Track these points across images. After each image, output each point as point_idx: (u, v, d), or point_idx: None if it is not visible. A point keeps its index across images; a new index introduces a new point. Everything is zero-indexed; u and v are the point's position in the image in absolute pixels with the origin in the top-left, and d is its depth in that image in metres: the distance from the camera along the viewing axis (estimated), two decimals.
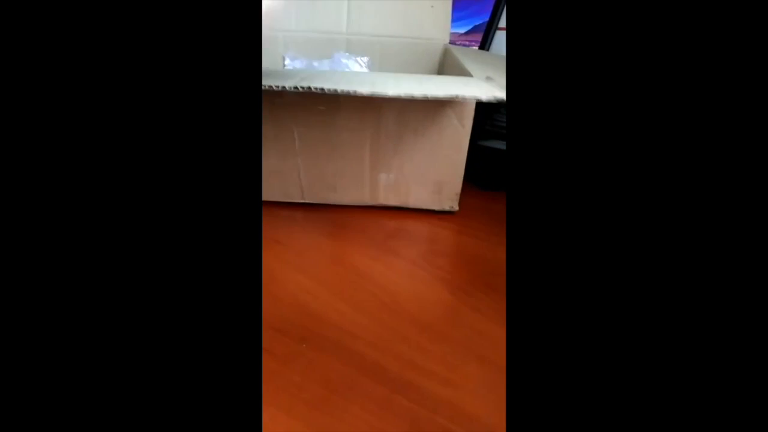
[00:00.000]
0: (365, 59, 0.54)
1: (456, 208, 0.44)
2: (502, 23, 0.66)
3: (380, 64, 0.57)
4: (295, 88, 0.31)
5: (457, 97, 0.32)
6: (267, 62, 0.55)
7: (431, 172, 0.42)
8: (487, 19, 0.67)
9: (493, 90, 0.33)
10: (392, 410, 0.25)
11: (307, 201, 0.44)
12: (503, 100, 0.32)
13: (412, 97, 0.32)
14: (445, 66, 0.55)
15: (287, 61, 0.53)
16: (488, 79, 0.36)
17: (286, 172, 0.42)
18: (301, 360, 0.28)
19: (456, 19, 0.67)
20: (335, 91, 0.31)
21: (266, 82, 0.31)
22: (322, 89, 0.31)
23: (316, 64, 0.53)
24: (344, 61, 0.52)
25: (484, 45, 0.67)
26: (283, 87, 0.31)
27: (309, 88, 0.31)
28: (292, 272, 0.36)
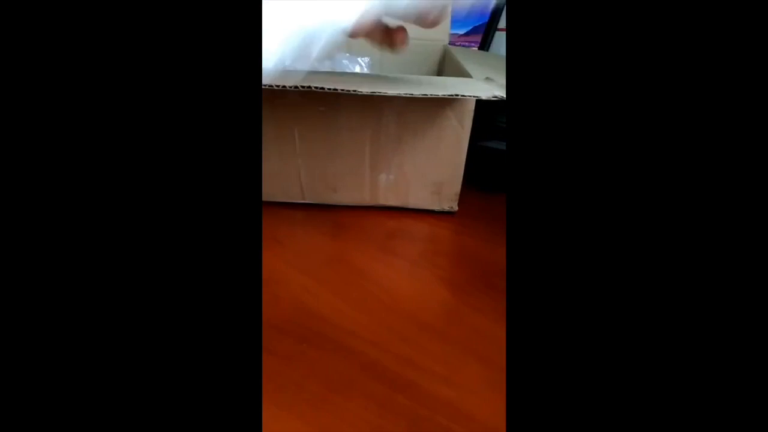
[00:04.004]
0: (366, 60, 0.54)
1: (455, 208, 0.44)
2: (502, 24, 0.66)
3: (381, 64, 0.57)
4: (296, 87, 0.31)
5: (456, 95, 0.32)
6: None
7: (431, 173, 0.42)
8: (486, 20, 0.67)
9: (493, 89, 0.33)
10: (392, 409, 0.25)
11: (307, 201, 0.44)
12: (503, 97, 0.32)
13: (412, 96, 0.32)
14: (445, 67, 0.55)
15: (288, 62, 0.53)
16: (488, 80, 0.36)
17: (286, 172, 0.42)
18: (302, 359, 0.28)
19: (456, 20, 0.67)
20: (335, 90, 0.31)
21: (266, 81, 0.31)
22: (323, 88, 0.31)
23: (317, 64, 0.53)
24: (345, 61, 0.52)
25: (484, 46, 0.68)
26: (284, 87, 0.31)
27: (309, 87, 0.31)
28: (293, 272, 0.36)
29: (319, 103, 0.38)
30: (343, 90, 0.31)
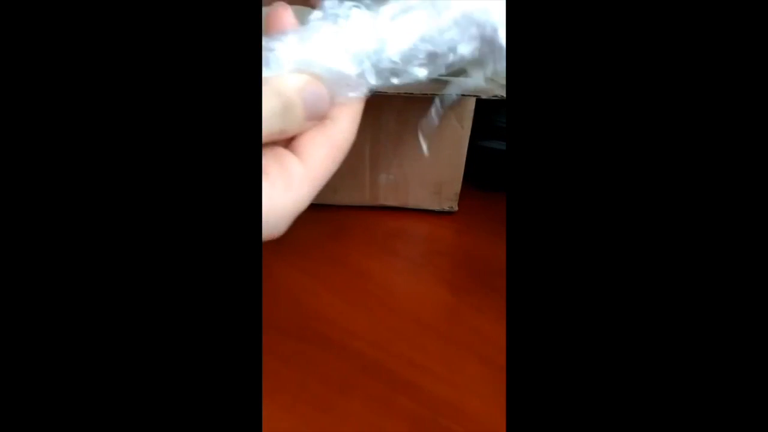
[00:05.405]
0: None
1: (455, 208, 0.44)
2: None
3: None
4: None
5: (456, 94, 0.32)
6: None
7: (431, 173, 0.42)
8: None
9: (493, 89, 0.33)
10: (393, 409, 0.25)
11: None
12: (503, 97, 0.32)
13: (412, 95, 0.32)
14: None
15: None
16: (488, 79, 0.36)
17: None
18: (302, 359, 0.28)
19: None
20: None
21: None
22: None
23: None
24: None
25: None
26: None
27: None
28: (293, 272, 0.36)
29: None
30: None
